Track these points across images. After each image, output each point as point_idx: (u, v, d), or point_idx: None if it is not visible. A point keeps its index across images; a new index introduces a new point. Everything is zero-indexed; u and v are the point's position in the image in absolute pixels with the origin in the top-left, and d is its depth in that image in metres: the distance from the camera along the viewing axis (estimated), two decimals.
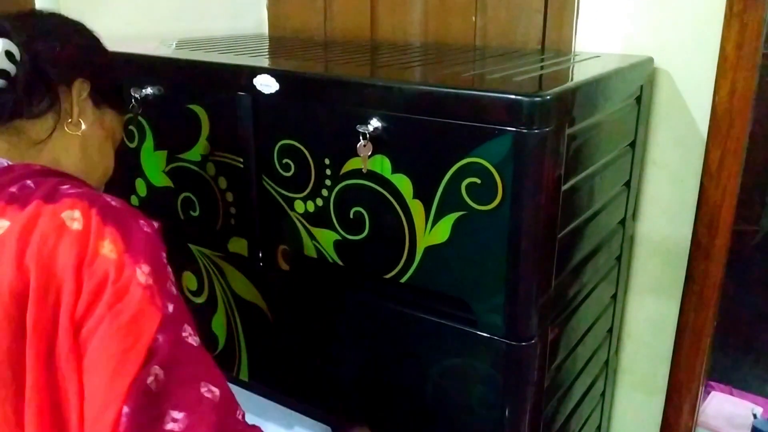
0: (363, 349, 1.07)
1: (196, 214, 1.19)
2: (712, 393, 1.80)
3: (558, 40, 1.33)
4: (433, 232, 0.92)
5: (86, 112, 0.84)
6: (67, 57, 0.82)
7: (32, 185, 0.70)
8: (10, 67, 0.74)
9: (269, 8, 1.72)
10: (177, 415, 0.63)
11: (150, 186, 1.24)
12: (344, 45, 1.43)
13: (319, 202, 1.02)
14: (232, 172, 1.11)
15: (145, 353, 0.64)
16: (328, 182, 1.00)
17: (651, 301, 1.37)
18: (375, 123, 0.92)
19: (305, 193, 1.03)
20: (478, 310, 0.92)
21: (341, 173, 0.98)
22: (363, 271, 1.02)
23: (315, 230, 1.04)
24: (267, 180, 1.07)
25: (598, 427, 1.40)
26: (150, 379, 0.63)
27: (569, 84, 0.94)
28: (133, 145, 1.23)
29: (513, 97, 0.82)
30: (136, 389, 0.62)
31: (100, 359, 0.63)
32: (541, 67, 1.08)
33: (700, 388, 1.36)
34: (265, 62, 1.17)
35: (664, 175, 1.30)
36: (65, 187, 0.71)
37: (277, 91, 1.01)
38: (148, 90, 1.16)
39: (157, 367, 0.64)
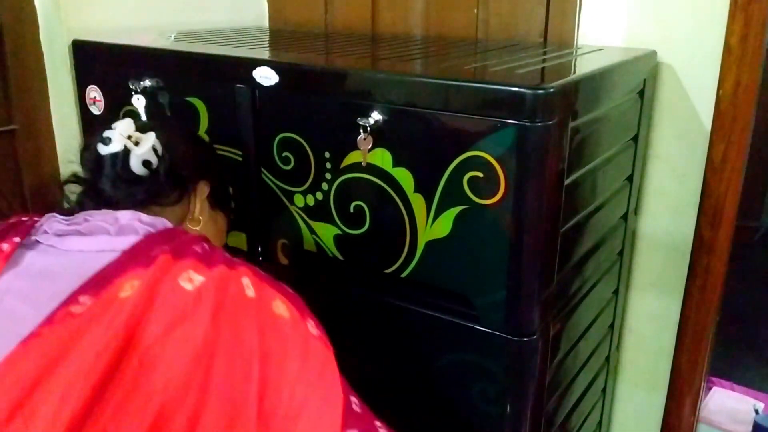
0: (363, 344, 1.06)
1: None
2: (714, 389, 1.79)
3: (560, 33, 1.31)
4: (434, 227, 0.91)
5: (205, 210, 0.94)
6: (198, 160, 0.94)
7: (208, 249, 0.76)
8: (154, 160, 0.85)
9: (269, 1, 1.70)
10: None
11: None
12: (345, 37, 1.42)
13: (319, 195, 1.01)
14: (231, 166, 1.10)
15: (344, 394, 0.73)
16: (328, 176, 0.99)
17: (653, 297, 1.36)
18: (375, 116, 0.91)
19: (305, 186, 1.02)
20: (480, 305, 0.91)
21: (341, 167, 0.97)
22: (363, 266, 1.01)
23: (315, 224, 1.03)
24: (266, 173, 1.06)
25: (599, 423, 1.39)
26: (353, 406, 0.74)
27: (572, 77, 0.92)
28: None
29: (516, 89, 0.81)
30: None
31: (309, 407, 0.69)
32: (544, 60, 1.07)
33: (702, 383, 1.35)
34: (264, 54, 1.15)
35: (667, 170, 1.29)
36: (228, 255, 0.77)
37: (276, 84, 1.00)
38: (147, 82, 1.15)
39: (354, 398, 0.76)
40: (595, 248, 1.11)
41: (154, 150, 0.85)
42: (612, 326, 1.31)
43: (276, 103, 1.02)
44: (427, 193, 0.90)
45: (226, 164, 1.07)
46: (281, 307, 0.73)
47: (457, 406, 0.99)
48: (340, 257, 1.03)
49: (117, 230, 0.76)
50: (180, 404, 0.62)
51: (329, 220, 1.01)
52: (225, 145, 1.09)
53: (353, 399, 0.75)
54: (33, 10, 1.32)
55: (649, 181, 1.30)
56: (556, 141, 0.85)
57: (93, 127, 1.29)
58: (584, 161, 0.98)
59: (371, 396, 1.09)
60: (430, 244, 0.92)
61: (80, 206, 0.84)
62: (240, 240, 1.14)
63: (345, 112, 0.94)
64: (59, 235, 0.77)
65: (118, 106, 1.22)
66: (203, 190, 0.93)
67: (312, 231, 1.04)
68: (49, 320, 0.65)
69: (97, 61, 1.25)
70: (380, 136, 0.91)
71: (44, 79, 1.35)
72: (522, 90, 0.81)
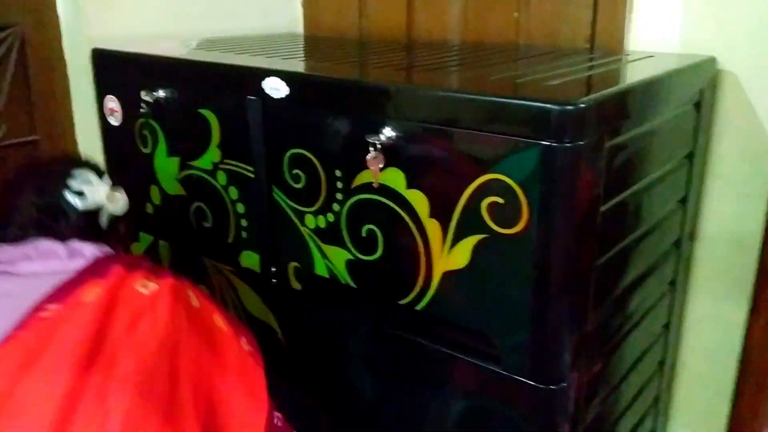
0: (376, 381, 0.97)
1: (209, 225, 1.12)
2: None
3: (608, 39, 1.19)
4: (451, 256, 0.82)
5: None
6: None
7: (152, 265, 0.84)
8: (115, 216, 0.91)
9: (304, 6, 1.64)
10: None
11: (164, 194, 1.17)
12: (377, 45, 1.34)
13: (330, 217, 0.93)
14: (242, 182, 1.03)
15: (269, 408, 0.81)
16: (339, 196, 0.91)
17: (710, 331, 1.22)
18: (388, 132, 0.82)
19: (316, 207, 0.94)
20: (501, 345, 0.81)
21: (353, 187, 0.89)
22: (376, 296, 0.93)
23: (326, 248, 0.95)
24: (278, 191, 0.98)
25: None
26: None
27: (611, 89, 0.81)
28: (146, 151, 1.17)
29: (540, 104, 0.71)
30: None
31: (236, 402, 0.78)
32: (585, 69, 0.96)
33: (765, 429, 1.20)
34: (278, 64, 1.08)
35: (729, 190, 1.15)
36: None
37: (287, 96, 0.93)
38: (161, 93, 1.09)
39: (278, 414, 0.85)
40: (642, 280, 0.99)
41: (80, 194, 0.87)
42: (662, 363, 1.18)
43: (286, 117, 0.95)
44: (443, 219, 0.81)
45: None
46: (220, 320, 0.82)
47: None
48: (353, 285, 0.94)
49: (68, 254, 0.82)
50: (156, 383, 0.70)
51: (341, 244, 0.93)
52: (237, 160, 1.03)
53: (277, 415, 0.85)
54: (55, 17, 1.29)
55: (707, 203, 1.17)
56: (589, 163, 0.74)
57: (111, 138, 1.25)
58: (627, 183, 0.87)
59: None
60: (447, 276, 0.83)
61: (23, 235, 0.84)
62: (253, 261, 1.07)
63: (355, 127, 0.85)
64: (11, 262, 0.81)
65: (134, 118, 1.17)
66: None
67: (324, 255, 0.96)
68: (21, 325, 0.71)
69: (114, 71, 1.21)
70: (393, 154, 0.83)
71: (67, 89, 1.32)
72: (547, 105, 0.70)
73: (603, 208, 0.80)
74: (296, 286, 1.02)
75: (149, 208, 1.22)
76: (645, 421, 1.17)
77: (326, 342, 1.01)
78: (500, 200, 0.75)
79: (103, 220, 0.88)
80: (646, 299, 1.03)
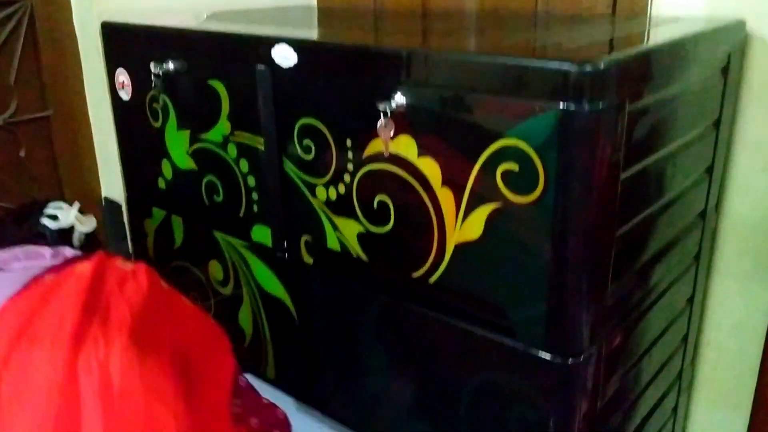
0: (389, 356, 0.95)
1: (220, 199, 1.10)
2: None
3: (631, 3, 1.15)
4: (464, 227, 0.79)
5: None
6: None
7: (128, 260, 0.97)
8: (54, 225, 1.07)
9: None
10: None
11: (175, 168, 1.16)
12: (390, 15, 1.30)
13: (342, 189, 0.90)
14: (253, 154, 1.01)
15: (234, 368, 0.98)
16: (350, 166, 0.88)
17: (736, 305, 1.18)
18: (399, 99, 0.79)
19: (327, 178, 0.92)
20: (517, 318, 0.79)
21: (364, 157, 0.86)
22: (388, 269, 0.90)
23: (338, 220, 0.93)
24: (288, 163, 0.96)
25: None
26: None
27: (633, 50, 0.77)
28: (157, 125, 1.15)
29: (557, 65, 0.67)
30: None
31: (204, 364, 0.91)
32: (608, 31, 0.92)
33: None
34: (288, 32, 1.05)
35: (757, 160, 1.11)
36: None
37: (296, 65, 0.90)
38: (170, 65, 1.07)
39: (242, 377, 1.08)
40: (665, 251, 0.96)
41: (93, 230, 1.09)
42: (685, 338, 1.15)
43: (296, 86, 0.92)
44: (456, 188, 0.78)
45: None
46: (185, 300, 0.93)
47: (493, 430, 0.87)
48: (365, 258, 0.92)
49: (52, 254, 0.94)
50: (146, 332, 0.80)
51: (352, 215, 0.91)
52: (247, 131, 1.00)
53: (241, 378, 0.98)
54: None
55: (734, 173, 1.12)
56: (609, 127, 0.71)
57: (122, 113, 1.24)
58: (649, 150, 0.83)
59: (395, 415, 0.98)
60: (461, 247, 0.80)
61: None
62: (265, 235, 1.05)
63: (365, 94, 0.83)
64: (2, 262, 0.92)
65: (145, 92, 1.15)
66: None
67: (335, 227, 0.94)
68: (25, 288, 0.84)
69: (123, 44, 1.19)
70: (404, 122, 0.80)
71: (78, 64, 1.31)
72: (565, 66, 0.67)
73: (623, 176, 0.76)
74: (308, 260, 1.00)
75: (161, 183, 1.20)
76: (667, 397, 1.14)
77: (338, 316, 1.00)
78: (515, 167, 0.72)
79: (75, 239, 1.07)
80: (669, 272, 1.00)
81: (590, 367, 0.80)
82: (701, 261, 1.11)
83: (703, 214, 1.07)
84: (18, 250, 0.95)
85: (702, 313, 1.20)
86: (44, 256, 0.94)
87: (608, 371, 0.86)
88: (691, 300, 1.12)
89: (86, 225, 1.08)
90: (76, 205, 1.09)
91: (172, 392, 0.78)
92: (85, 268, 0.85)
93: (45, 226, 1.05)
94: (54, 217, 1.05)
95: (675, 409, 1.20)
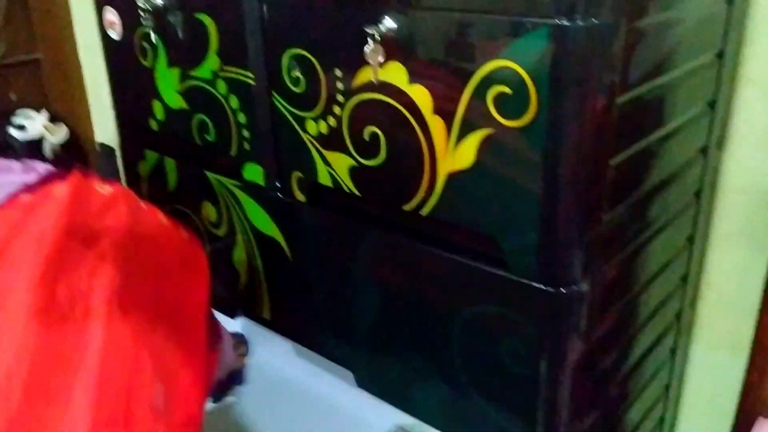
0: (382, 291, 0.94)
1: (212, 138, 1.08)
2: None
3: None
4: (456, 155, 0.77)
5: None
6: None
7: (103, 179, 0.94)
8: (58, 148, 0.98)
9: None
10: None
11: (167, 108, 1.14)
12: None
13: (332, 121, 0.88)
14: (243, 90, 0.99)
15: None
16: (340, 98, 0.86)
17: (737, 247, 1.16)
18: (388, 23, 0.77)
19: (317, 111, 0.90)
20: (508, 248, 0.77)
21: (353, 87, 0.84)
22: (380, 202, 0.89)
23: (329, 154, 0.91)
24: (278, 97, 0.94)
25: (667, 387, 1.22)
26: None
27: None
28: (148, 64, 1.13)
29: None
30: None
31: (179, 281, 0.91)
32: None
33: None
34: None
35: (761, 96, 1.07)
36: None
37: None
38: (158, 0, 1.04)
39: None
40: (663, 185, 0.94)
41: (65, 140, 0.98)
42: (685, 279, 1.13)
43: (284, 15, 0.90)
44: (448, 115, 0.76)
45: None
46: (162, 218, 0.91)
47: (483, 364, 0.86)
48: (357, 193, 0.90)
49: (23, 169, 0.88)
50: (132, 254, 0.80)
51: (343, 149, 0.89)
52: (236, 66, 0.98)
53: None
54: None
55: (737, 109, 1.09)
56: (605, 46, 0.68)
57: (112, 53, 1.21)
58: (648, 75, 0.80)
59: (387, 345, 0.98)
60: (452, 176, 0.78)
61: None
62: (257, 173, 1.03)
63: (353, 20, 0.80)
64: None
65: (134, 30, 1.13)
66: None
67: (327, 163, 0.92)
68: (1, 207, 0.80)
69: None
70: (393, 47, 0.77)
71: (66, 4, 1.28)
72: None
73: (620, 100, 0.74)
74: (300, 197, 0.99)
75: (154, 125, 1.19)
76: (665, 337, 1.13)
77: (331, 252, 0.98)
78: (507, 90, 0.70)
79: (47, 150, 0.96)
80: (667, 208, 0.98)
81: (583, 298, 0.79)
82: (702, 199, 1.09)
83: (704, 150, 1.04)
84: None
85: (702, 253, 1.18)
86: (14, 170, 0.89)
87: (602, 304, 0.85)
88: (691, 239, 1.10)
89: (56, 135, 0.98)
90: (44, 113, 0.99)
91: (153, 324, 0.78)
92: (63, 190, 0.82)
93: (13, 137, 0.95)
94: (22, 128, 0.95)
95: (674, 351, 1.19)
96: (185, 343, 0.85)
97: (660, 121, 0.87)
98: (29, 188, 0.83)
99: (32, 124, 0.95)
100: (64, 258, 0.74)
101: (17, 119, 0.95)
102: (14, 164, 0.90)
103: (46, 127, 0.96)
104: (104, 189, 0.86)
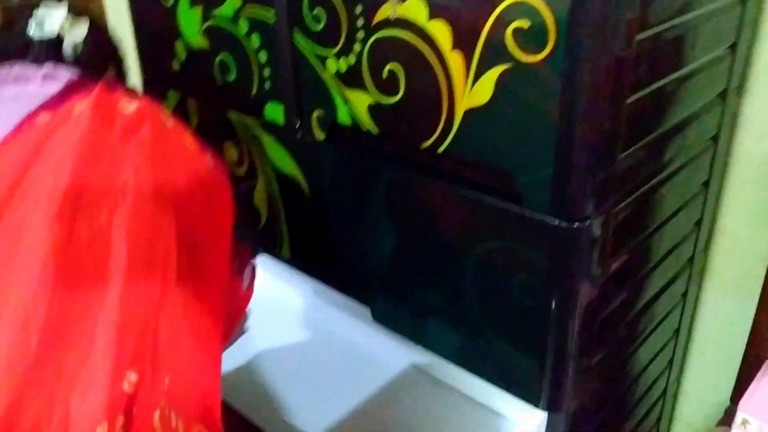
0: (399, 228, 0.96)
1: (233, 78, 1.10)
2: None
3: None
4: (473, 92, 0.78)
5: None
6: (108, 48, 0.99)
7: (129, 91, 0.86)
8: (80, 46, 0.91)
9: None
10: None
11: (189, 49, 1.15)
12: None
13: (352, 59, 0.89)
14: (264, 28, 1.00)
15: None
16: (360, 34, 0.87)
17: (752, 193, 1.17)
18: None
19: (337, 48, 0.90)
20: (523, 183, 0.79)
21: (374, 23, 0.85)
22: (398, 141, 0.91)
23: (348, 92, 0.92)
24: (299, 36, 0.95)
25: (677, 330, 1.25)
26: None
27: None
28: (169, 3, 1.14)
29: None
30: None
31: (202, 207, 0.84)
32: None
33: None
34: None
35: None
36: None
37: None
38: None
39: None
40: (679, 128, 0.94)
41: (86, 36, 0.90)
42: (699, 224, 1.14)
43: None
44: (467, 51, 0.77)
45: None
46: (189, 140, 0.84)
47: (495, 300, 0.89)
48: (375, 131, 0.92)
49: (42, 78, 0.82)
50: (155, 187, 0.74)
51: (363, 87, 0.90)
52: (257, 4, 0.99)
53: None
54: None
55: (759, 51, 1.09)
56: None
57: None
58: (668, 13, 0.80)
59: (403, 281, 1.01)
60: (470, 113, 0.80)
61: None
62: (277, 112, 1.05)
63: None
64: None
65: None
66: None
67: (346, 101, 0.93)
68: (18, 129, 0.74)
69: None
70: None
71: None
72: None
73: (639, 37, 0.74)
74: (320, 136, 1.01)
75: (175, 65, 1.20)
76: (677, 281, 1.15)
77: (349, 191, 1.01)
78: (525, 24, 0.71)
79: (67, 49, 0.88)
80: (684, 151, 0.98)
81: (596, 234, 0.80)
82: (720, 144, 1.09)
83: (723, 95, 1.04)
84: (4, 73, 0.82)
85: (717, 199, 1.19)
86: (32, 79, 0.82)
87: (615, 243, 0.86)
88: (706, 184, 1.11)
89: (75, 32, 0.88)
90: (64, 5, 0.89)
91: (175, 262, 0.72)
92: (84, 109, 0.74)
93: (30, 37, 0.86)
94: (41, 24, 0.86)
95: (685, 295, 1.21)
96: (208, 275, 0.80)
97: (679, 62, 0.87)
98: (48, 105, 0.76)
99: (51, 19, 0.87)
100: (82, 192, 0.69)
101: (38, 13, 0.87)
102: (32, 71, 0.82)
103: (66, 22, 0.88)
104: (129, 106, 0.78)
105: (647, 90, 0.81)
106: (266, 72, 1.03)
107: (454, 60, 0.78)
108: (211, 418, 0.71)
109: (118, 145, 0.74)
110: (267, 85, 1.04)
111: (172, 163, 0.78)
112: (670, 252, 1.07)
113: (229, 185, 0.85)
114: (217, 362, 0.75)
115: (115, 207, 0.70)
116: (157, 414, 0.65)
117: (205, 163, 0.83)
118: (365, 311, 1.08)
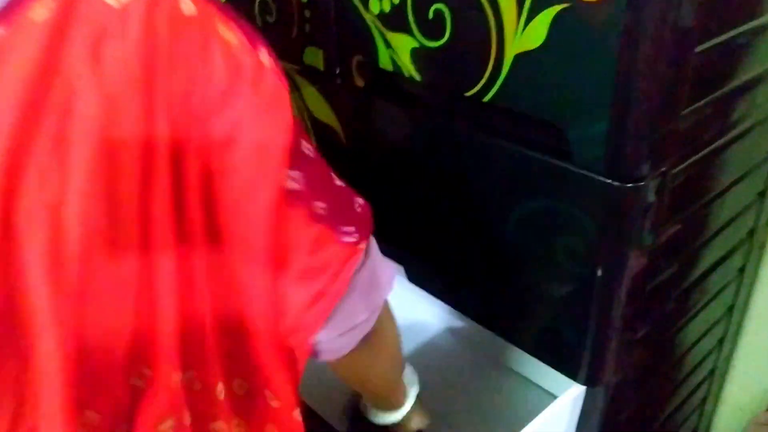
0: (439, 182, 0.91)
1: (273, 19, 1.05)
2: None
3: None
4: (525, 34, 0.72)
5: None
6: None
7: None
8: None
9: None
10: None
11: None
12: None
13: None
14: None
15: (294, 133, 0.63)
16: None
17: None
18: None
19: None
20: (574, 138, 0.73)
21: None
22: (441, 88, 0.85)
23: (391, 35, 0.87)
24: None
25: (731, 307, 1.17)
26: None
27: None
28: None
29: None
30: None
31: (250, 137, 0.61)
32: None
33: None
34: None
35: None
36: None
37: None
38: None
39: (305, 142, 0.67)
40: (749, 86, 0.86)
41: None
42: (763, 194, 1.06)
43: None
44: None
45: None
46: (226, 31, 0.56)
47: (537, 263, 0.84)
48: (417, 78, 0.86)
49: None
50: (124, 129, 0.53)
51: (406, 29, 0.84)
52: None
53: (304, 143, 0.65)
54: None
55: None
56: None
57: None
58: None
59: (440, 239, 0.96)
60: (520, 58, 0.73)
61: None
62: (317, 57, 1.00)
63: None
64: None
65: None
66: None
67: (388, 45, 0.88)
68: None
69: None
70: None
71: None
72: None
73: None
74: (359, 82, 0.96)
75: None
76: (734, 255, 1.07)
77: (388, 142, 0.96)
78: None
79: None
80: (752, 112, 0.90)
81: (650, 198, 0.74)
82: None
83: None
84: None
85: None
86: None
87: (670, 208, 0.80)
88: None
89: None
90: None
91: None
92: (46, 12, 0.53)
93: None
94: None
95: (742, 270, 1.14)
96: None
97: (754, 10, 0.79)
98: (2, 16, 0.54)
99: None
100: (29, 141, 0.53)
101: None
102: None
103: None
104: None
105: (717, 40, 0.73)
106: (307, 13, 0.98)
107: (506, 0, 0.72)
108: None
109: (84, 61, 0.53)
110: (307, 27, 0.99)
111: (179, 67, 0.55)
112: (728, 223, 0.99)
113: (286, 93, 0.61)
114: None
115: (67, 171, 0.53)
116: None
117: (247, 59, 0.57)
118: (400, 270, 1.04)
